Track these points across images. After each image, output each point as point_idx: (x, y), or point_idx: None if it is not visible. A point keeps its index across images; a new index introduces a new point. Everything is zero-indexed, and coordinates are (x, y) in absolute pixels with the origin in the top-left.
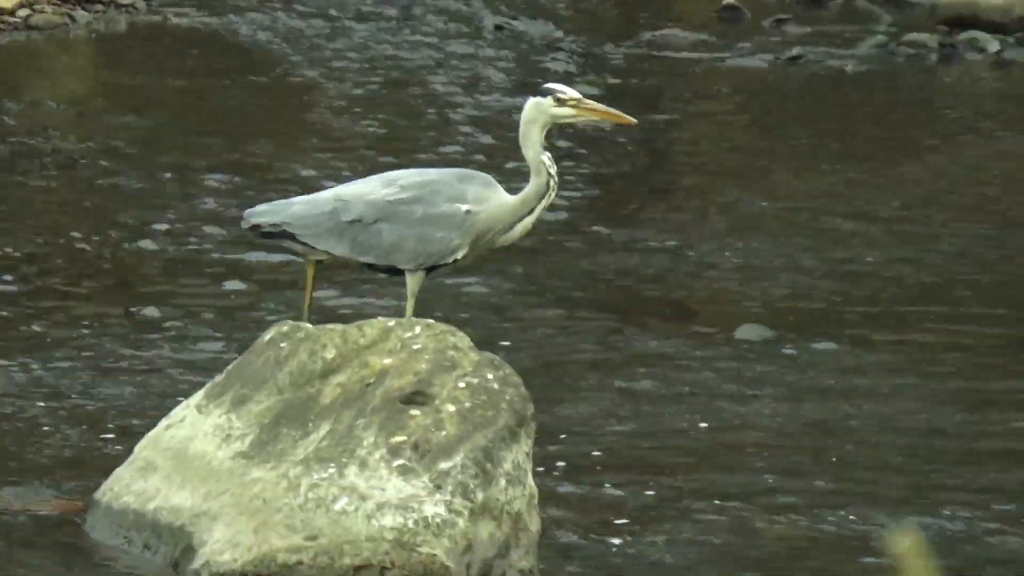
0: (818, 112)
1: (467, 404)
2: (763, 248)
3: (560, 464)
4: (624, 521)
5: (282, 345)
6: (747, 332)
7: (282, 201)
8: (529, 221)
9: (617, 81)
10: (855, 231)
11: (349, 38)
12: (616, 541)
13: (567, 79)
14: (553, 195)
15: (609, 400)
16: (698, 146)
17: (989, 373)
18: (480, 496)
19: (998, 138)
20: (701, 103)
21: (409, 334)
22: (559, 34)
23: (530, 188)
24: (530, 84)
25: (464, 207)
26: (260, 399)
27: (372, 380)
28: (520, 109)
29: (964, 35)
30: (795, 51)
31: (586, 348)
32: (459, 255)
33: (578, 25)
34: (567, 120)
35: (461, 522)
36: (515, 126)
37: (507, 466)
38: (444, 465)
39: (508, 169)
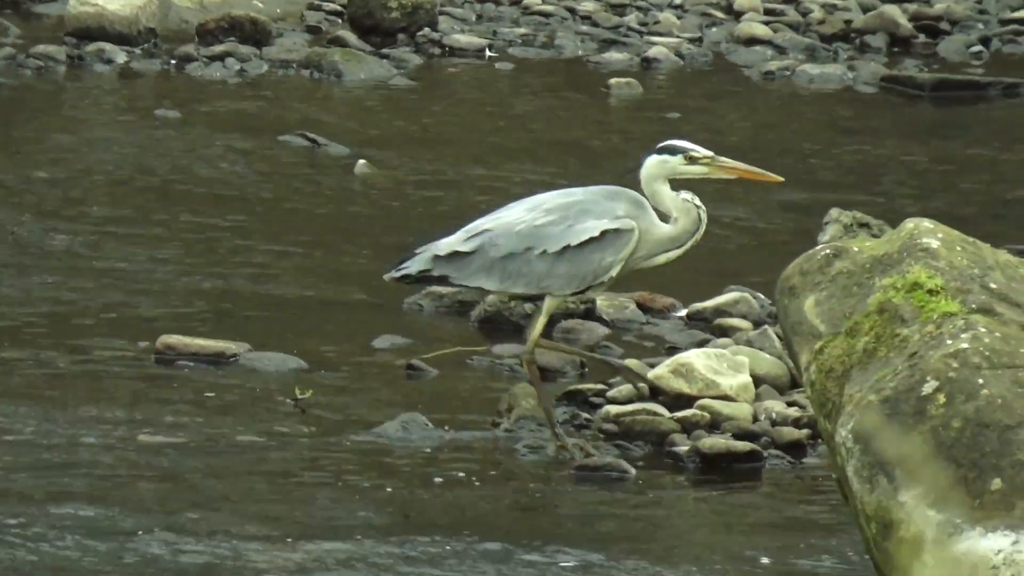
0: None
1: None
2: None
3: None
4: None
5: None
6: None
7: (426, 247)
8: (676, 254)
9: None
10: None
11: None
12: None
13: None
14: (703, 229)
15: None
16: None
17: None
18: None
19: (103, 143)
20: None
21: None
22: None
23: (682, 224)
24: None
25: (615, 225)
26: None
27: None
28: None
29: (92, 46)
30: None
31: None
32: (613, 273)
33: None
34: (694, 177)
35: None
36: None
37: None
38: None
39: None
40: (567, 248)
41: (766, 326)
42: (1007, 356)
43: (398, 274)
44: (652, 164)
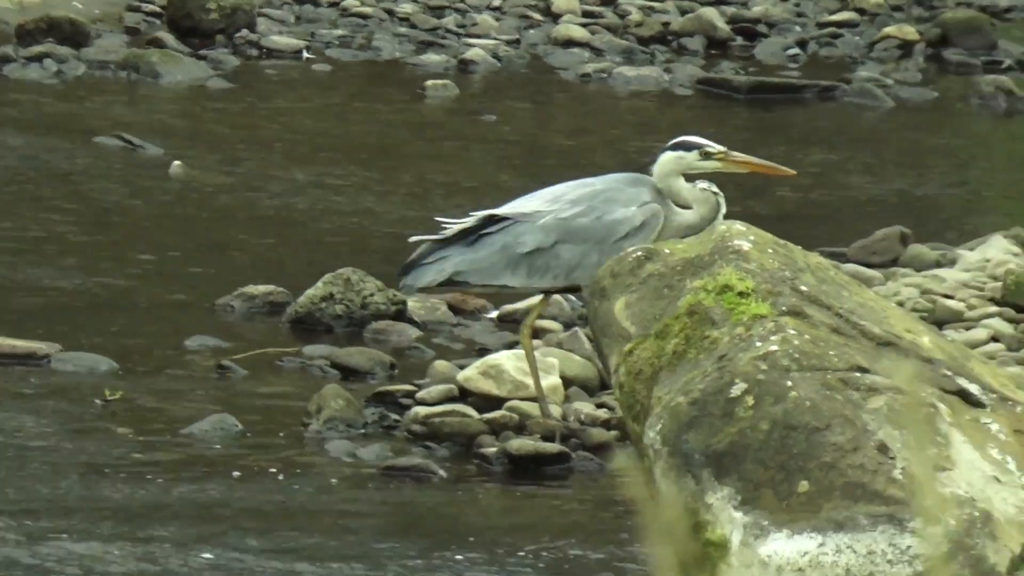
0: None
1: None
2: None
3: None
4: None
5: None
6: None
7: (437, 255)
8: (693, 240)
9: None
10: None
11: None
12: None
13: None
14: (722, 216)
15: None
16: None
17: None
18: None
19: None
20: None
21: None
22: None
23: (702, 212)
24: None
25: (642, 211)
26: None
27: None
28: None
29: None
30: None
31: None
32: None
33: None
34: (708, 171)
35: None
36: None
37: None
38: None
39: None
40: (605, 240)
41: (576, 328)
42: (816, 358)
43: (419, 284)
44: (668, 160)
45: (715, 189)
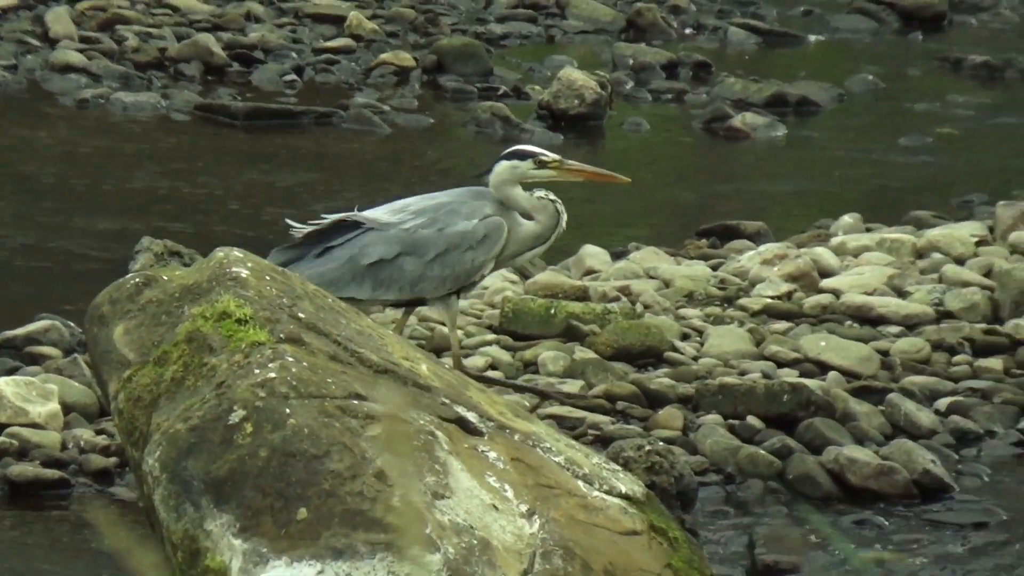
0: None
1: None
2: None
3: None
4: None
5: None
6: None
7: (289, 267)
8: (540, 250)
9: None
10: None
11: None
12: None
13: None
14: (564, 222)
15: None
16: None
17: None
18: None
19: None
20: None
21: None
22: None
23: (543, 220)
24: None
25: (484, 224)
26: None
27: None
28: None
29: None
30: None
31: None
32: (485, 272)
33: None
34: (543, 180)
35: None
36: None
37: None
38: None
39: None
40: (437, 250)
41: (76, 354)
42: (314, 386)
43: None
44: (502, 169)
45: (552, 196)
